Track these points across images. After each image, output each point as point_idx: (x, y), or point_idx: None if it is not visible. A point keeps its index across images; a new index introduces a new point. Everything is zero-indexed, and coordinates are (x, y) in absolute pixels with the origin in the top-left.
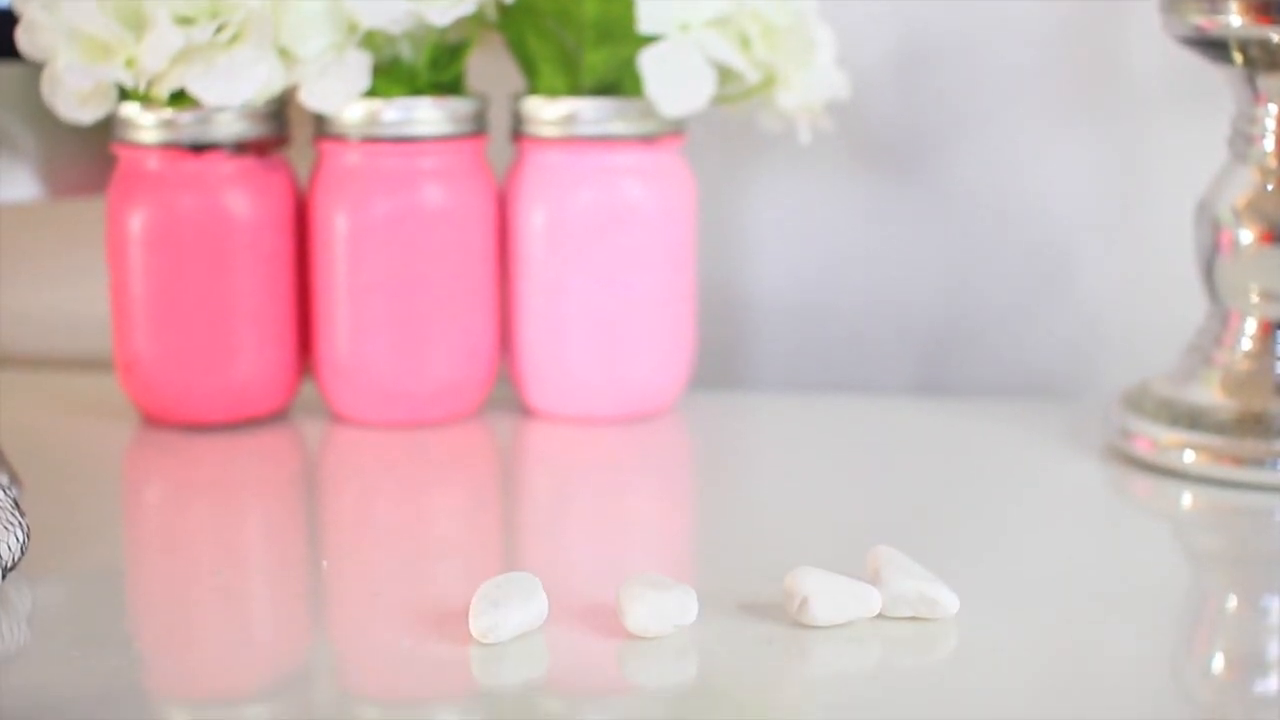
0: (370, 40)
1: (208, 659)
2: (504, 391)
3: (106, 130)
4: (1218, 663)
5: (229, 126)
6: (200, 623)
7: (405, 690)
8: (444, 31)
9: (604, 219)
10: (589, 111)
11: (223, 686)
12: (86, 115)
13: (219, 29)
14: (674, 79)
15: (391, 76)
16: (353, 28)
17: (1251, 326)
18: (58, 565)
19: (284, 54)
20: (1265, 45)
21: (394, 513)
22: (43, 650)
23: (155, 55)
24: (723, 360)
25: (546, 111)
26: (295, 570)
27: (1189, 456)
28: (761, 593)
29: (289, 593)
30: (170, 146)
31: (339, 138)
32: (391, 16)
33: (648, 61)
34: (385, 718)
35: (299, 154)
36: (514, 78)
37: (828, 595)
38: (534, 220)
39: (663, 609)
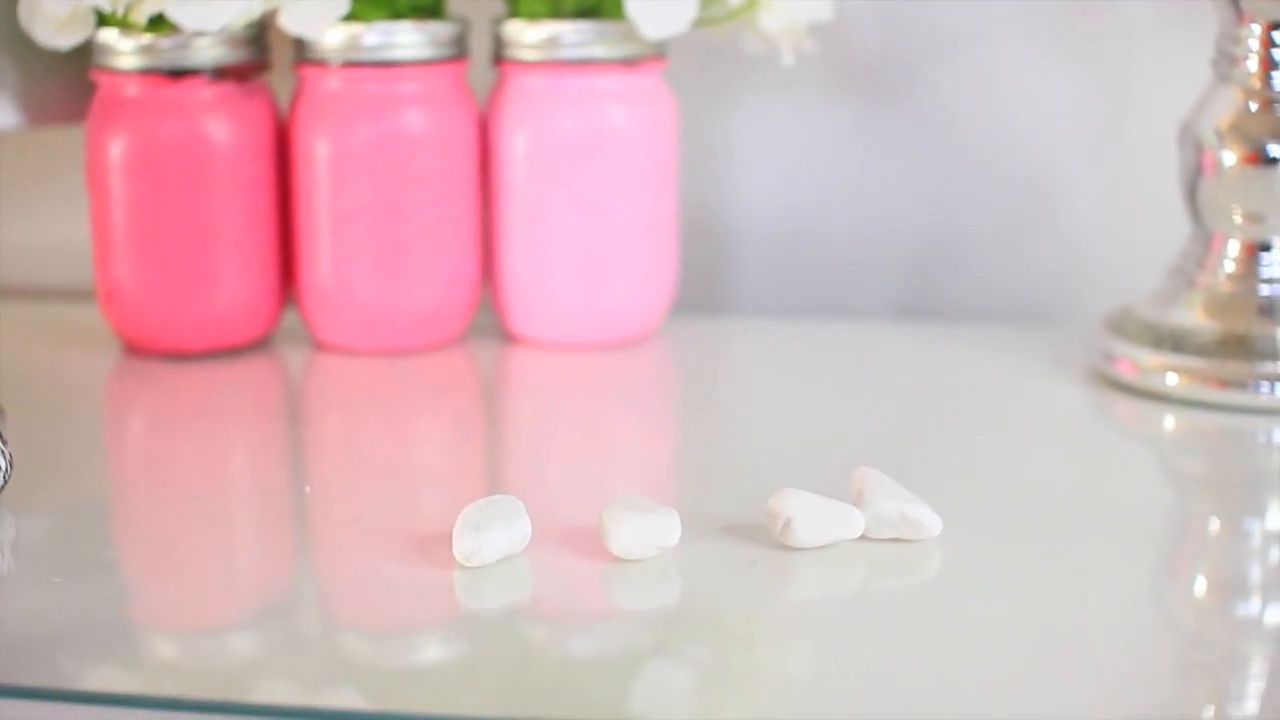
0: None
1: (192, 587)
2: (486, 318)
3: (86, 57)
4: (1200, 586)
5: (208, 52)
6: (184, 550)
7: (389, 616)
8: None
9: (586, 143)
10: (570, 35)
11: (207, 614)
12: (65, 41)
13: None
14: (655, 1)
15: (372, 0)
16: None
17: (1234, 248)
18: (41, 494)
19: None
20: None
21: (377, 439)
22: (27, 578)
23: None
24: (706, 285)
25: (527, 35)
26: (279, 498)
27: (1172, 379)
28: (745, 515)
29: (273, 520)
30: (149, 72)
31: (319, 63)
32: None
33: None
34: (370, 644)
35: (279, 79)
36: (494, 1)
37: (811, 517)
38: (515, 145)
39: (646, 531)
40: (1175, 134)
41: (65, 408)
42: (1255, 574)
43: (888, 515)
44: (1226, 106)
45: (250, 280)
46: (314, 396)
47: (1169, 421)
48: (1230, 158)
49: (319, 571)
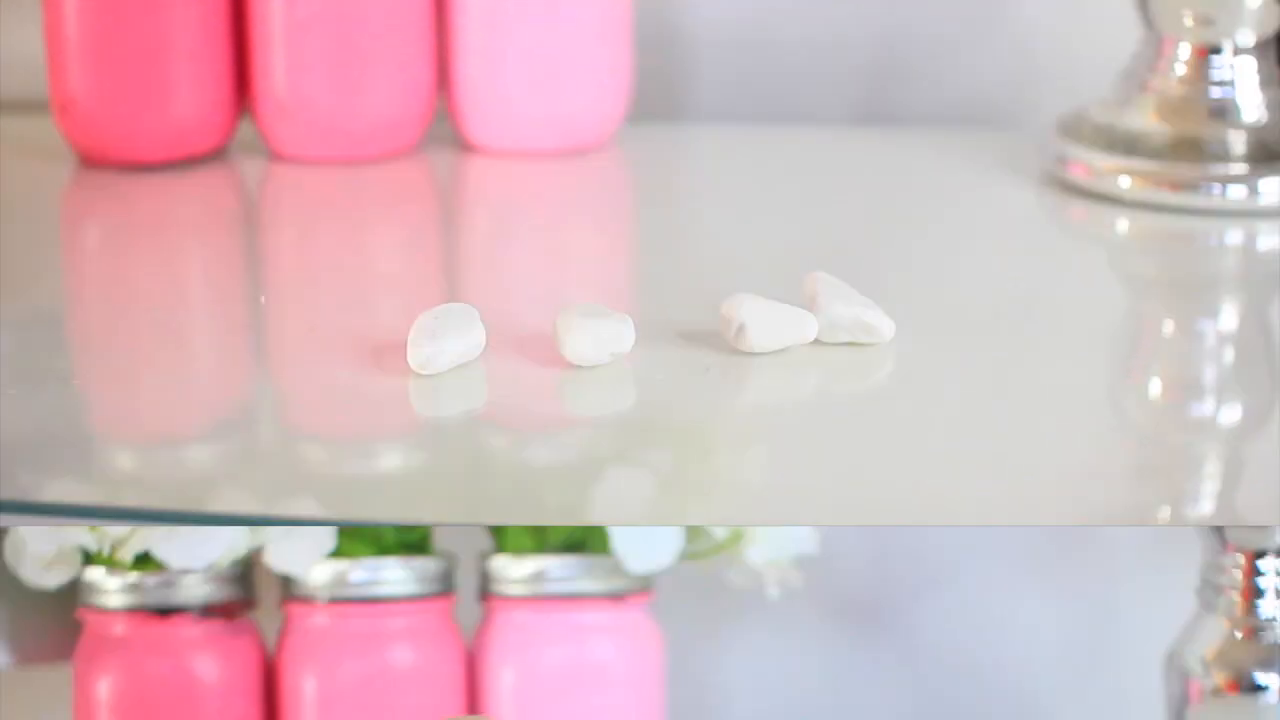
0: None
1: (149, 398)
2: (442, 127)
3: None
4: (1154, 386)
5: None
6: (141, 362)
7: (346, 425)
8: None
9: None
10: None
11: (164, 425)
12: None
13: None
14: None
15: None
16: None
17: (1185, 51)
18: None
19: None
20: None
21: (333, 249)
22: None
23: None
24: (661, 92)
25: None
26: (235, 308)
27: (1125, 182)
28: (699, 320)
29: (229, 330)
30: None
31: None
32: None
33: None
34: (327, 453)
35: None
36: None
37: (764, 322)
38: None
39: (600, 337)
40: None
41: (20, 220)
42: (1209, 375)
43: (841, 319)
44: None
45: (206, 90)
46: (270, 206)
47: (1122, 224)
48: None
49: (275, 380)
